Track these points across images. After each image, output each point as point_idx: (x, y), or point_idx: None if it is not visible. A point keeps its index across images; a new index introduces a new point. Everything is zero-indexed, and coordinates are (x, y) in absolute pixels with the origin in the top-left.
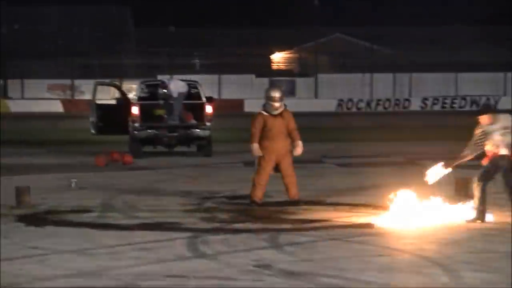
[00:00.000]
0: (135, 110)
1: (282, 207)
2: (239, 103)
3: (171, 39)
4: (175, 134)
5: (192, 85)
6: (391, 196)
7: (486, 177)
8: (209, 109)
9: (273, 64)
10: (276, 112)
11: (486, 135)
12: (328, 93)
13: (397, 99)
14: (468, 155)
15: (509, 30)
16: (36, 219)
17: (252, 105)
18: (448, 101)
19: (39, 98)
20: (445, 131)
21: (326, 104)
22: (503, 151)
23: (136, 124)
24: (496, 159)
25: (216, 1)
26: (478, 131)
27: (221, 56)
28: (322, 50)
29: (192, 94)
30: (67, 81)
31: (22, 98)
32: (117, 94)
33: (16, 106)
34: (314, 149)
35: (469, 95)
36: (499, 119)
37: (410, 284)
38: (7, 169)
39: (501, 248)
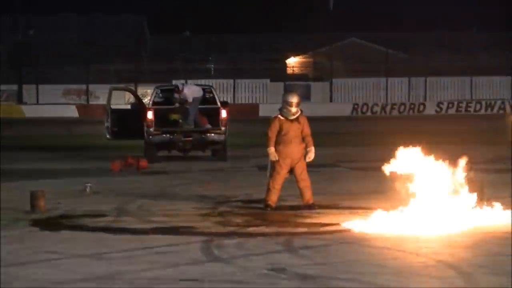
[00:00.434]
0: (150, 115)
1: (296, 211)
2: (254, 107)
3: (186, 44)
4: (190, 138)
5: (207, 89)
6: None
7: None
8: (224, 113)
9: (288, 68)
10: (292, 117)
11: None
12: (343, 97)
13: (412, 103)
14: None
15: None
16: (51, 224)
17: (267, 110)
18: (463, 105)
19: (54, 103)
20: (461, 134)
21: (341, 108)
22: None
23: (151, 129)
24: None
25: (231, 7)
26: None
27: (236, 61)
28: (337, 55)
29: (207, 99)
30: (82, 86)
31: (37, 103)
32: (132, 99)
33: (31, 111)
34: (329, 153)
35: (484, 99)
36: None
37: None
38: (21, 174)
39: None
